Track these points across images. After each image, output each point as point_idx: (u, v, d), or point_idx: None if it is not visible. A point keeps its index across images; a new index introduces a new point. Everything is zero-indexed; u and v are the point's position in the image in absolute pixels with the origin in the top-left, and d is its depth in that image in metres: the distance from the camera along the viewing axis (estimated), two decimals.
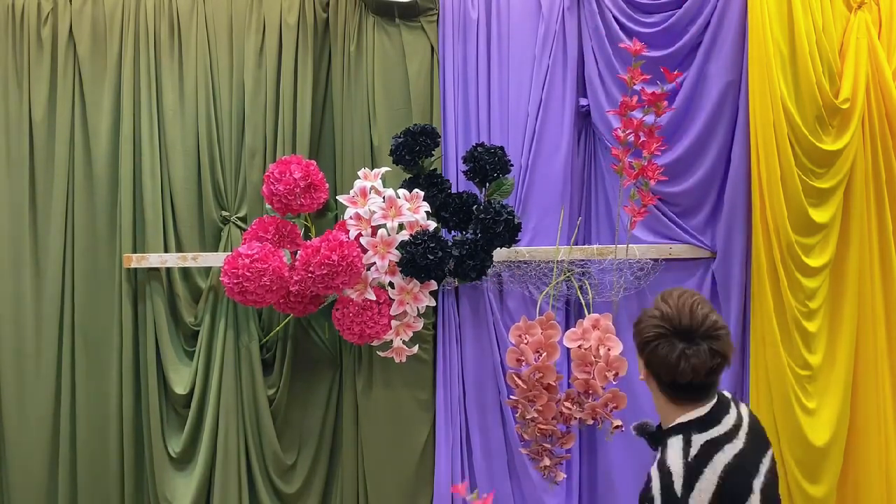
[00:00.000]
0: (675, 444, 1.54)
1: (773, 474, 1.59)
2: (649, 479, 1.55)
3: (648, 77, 2.37)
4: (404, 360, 2.54)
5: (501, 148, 2.51)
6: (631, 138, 2.39)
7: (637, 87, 2.38)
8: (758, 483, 1.54)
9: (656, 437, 1.67)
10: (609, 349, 2.38)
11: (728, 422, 1.57)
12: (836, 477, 2.48)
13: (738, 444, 1.55)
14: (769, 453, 1.61)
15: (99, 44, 2.82)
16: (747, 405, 1.64)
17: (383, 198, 2.40)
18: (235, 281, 2.33)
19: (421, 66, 2.70)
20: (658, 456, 1.57)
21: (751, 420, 1.62)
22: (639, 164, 2.39)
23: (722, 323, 1.55)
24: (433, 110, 2.70)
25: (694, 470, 1.50)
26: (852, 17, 2.51)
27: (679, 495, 1.48)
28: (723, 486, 1.49)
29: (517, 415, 2.51)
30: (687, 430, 1.55)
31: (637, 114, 2.38)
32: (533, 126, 2.62)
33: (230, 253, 2.50)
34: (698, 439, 1.53)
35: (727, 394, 1.66)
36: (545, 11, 2.64)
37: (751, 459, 1.55)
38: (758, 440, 1.60)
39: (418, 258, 2.35)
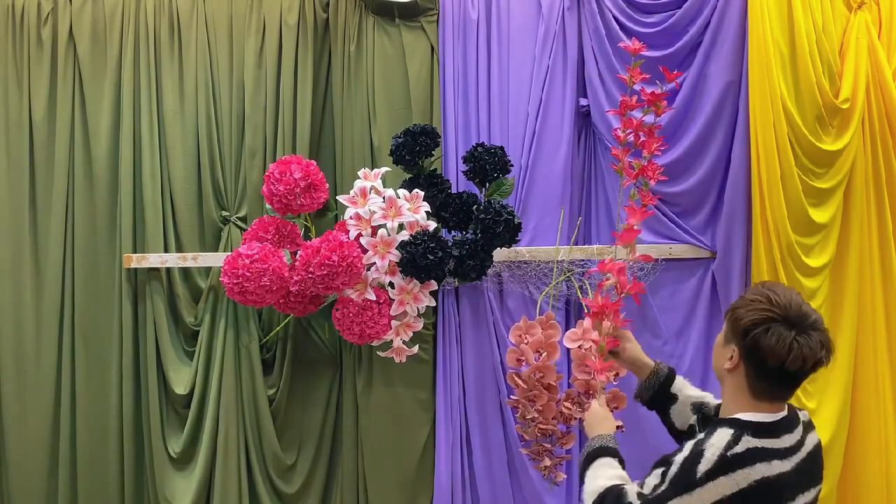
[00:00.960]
0: (722, 434, 1.47)
1: None
2: (679, 449, 1.51)
3: (648, 77, 2.37)
4: (404, 360, 2.53)
5: (501, 148, 2.51)
6: (631, 138, 2.39)
7: (637, 87, 2.37)
8: None
9: (708, 420, 1.62)
10: None
11: (788, 440, 1.49)
12: (836, 477, 2.48)
13: (787, 465, 1.47)
14: (815, 490, 1.53)
15: (99, 44, 2.81)
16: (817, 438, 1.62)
17: (383, 198, 2.40)
18: (235, 281, 2.33)
19: (421, 66, 2.70)
20: (700, 436, 1.51)
21: (813, 450, 1.54)
22: (638, 164, 2.38)
23: (824, 323, 1.51)
24: (433, 110, 2.70)
25: (726, 465, 1.43)
26: (852, 17, 2.51)
27: (697, 477, 1.43)
28: (751, 492, 1.43)
29: (517, 415, 2.50)
30: (742, 427, 1.48)
31: (637, 113, 2.38)
32: (533, 126, 2.62)
33: (230, 253, 2.50)
34: (748, 441, 1.46)
35: (803, 416, 1.58)
36: (545, 11, 2.64)
37: (793, 487, 1.48)
38: (812, 471, 1.53)
39: (418, 258, 2.35)
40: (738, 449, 1.45)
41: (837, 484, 2.48)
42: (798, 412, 1.57)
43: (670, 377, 1.88)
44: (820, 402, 2.47)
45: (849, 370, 2.48)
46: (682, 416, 1.83)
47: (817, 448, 1.56)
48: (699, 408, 1.71)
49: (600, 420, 1.82)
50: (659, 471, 1.51)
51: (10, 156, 2.82)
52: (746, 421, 1.49)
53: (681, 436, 1.82)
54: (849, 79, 2.47)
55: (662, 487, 1.47)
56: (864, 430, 2.49)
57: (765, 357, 1.46)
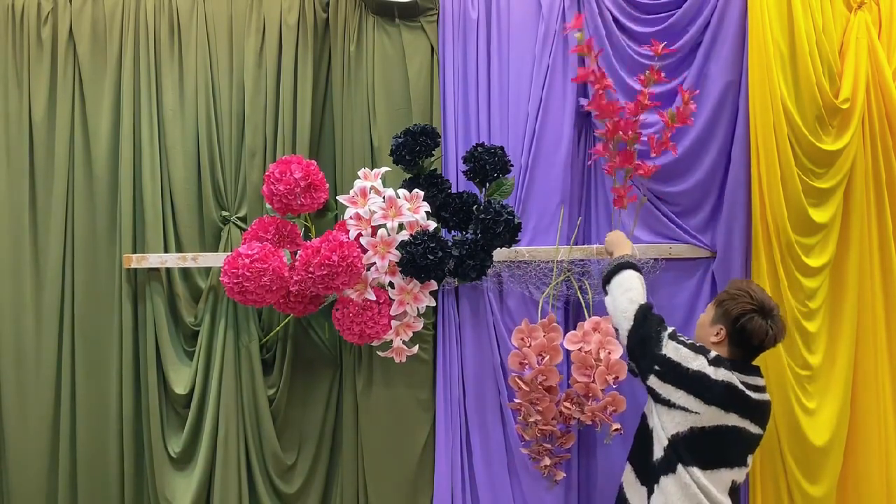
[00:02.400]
0: (710, 358, 2.05)
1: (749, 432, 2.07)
2: (682, 344, 2.09)
3: (665, 79, 2.39)
4: (404, 360, 2.54)
5: (501, 148, 2.51)
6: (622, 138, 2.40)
7: (641, 88, 2.38)
8: (744, 419, 2.04)
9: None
10: (609, 353, 2.38)
11: (759, 381, 2.08)
12: (835, 477, 2.48)
13: (759, 396, 2.06)
14: (761, 429, 2.10)
15: (99, 44, 2.82)
16: None
17: (383, 198, 2.40)
18: (235, 281, 2.33)
19: (421, 66, 2.70)
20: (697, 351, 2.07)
21: (767, 405, 2.12)
22: (615, 153, 2.41)
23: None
24: (433, 110, 2.70)
25: (713, 362, 2.03)
26: (852, 17, 2.51)
27: (687, 367, 2.03)
28: (718, 384, 2.02)
29: (519, 417, 2.51)
30: (725, 359, 2.07)
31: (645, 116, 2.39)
32: (533, 126, 2.62)
33: (230, 253, 2.50)
34: (726, 362, 2.05)
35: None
36: (545, 11, 2.64)
37: (763, 414, 2.08)
38: (764, 413, 2.10)
39: (418, 258, 2.35)
40: (711, 357, 2.06)
41: (837, 484, 2.48)
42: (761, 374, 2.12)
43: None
44: (820, 402, 2.47)
45: (849, 370, 2.48)
46: None
47: (769, 404, 2.12)
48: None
49: (622, 241, 2.38)
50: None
51: (10, 156, 2.82)
52: (729, 354, 2.09)
53: None
54: (849, 79, 2.47)
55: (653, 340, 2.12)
56: (864, 430, 2.49)
57: (749, 337, 2.04)
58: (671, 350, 2.06)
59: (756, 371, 2.10)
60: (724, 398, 2.01)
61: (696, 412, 2.01)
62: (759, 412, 2.07)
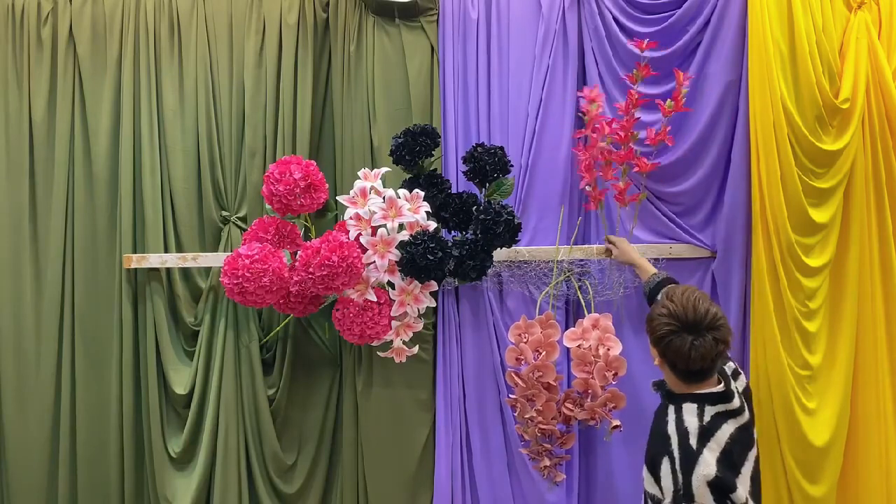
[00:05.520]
0: (690, 409, 1.82)
1: (757, 448, 1.89)
2: (667, 439, 1.81)
3: (657, 74, 2.39)
4: (404, 360, 2.54)
5: (501, 148, 2.51)
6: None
7: (636, 86, 2.38)
8: (752, 453, 1.83)
9: (673, 396, 1.89)
10: (609, 349, 2.39)
11: (735, 402, 1.84)
12: (836, 477, 2.48)
13: (741, 420, 1.83)
14: (756, 448, 1.88)
15: (99, 44, 2.82)
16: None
17: (383, 198, 2.40)
18: (235, 281, 2.34)
19: (421, 66, 2.70)
20: (671, 416, 1.84)
21: (745, 399, 1.90)
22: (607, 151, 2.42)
23: (721, 314, 1.81)
24: (433, 110, 2.70)
25: (707, 432, 1.78)
26: (852, 17, 2.51)
27: (695, 449, 1.76)
28: (727, 449, 1.77)
29: (516, 414, 2.51)
30: (701, 400, 1.83)
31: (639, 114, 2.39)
32: (533, 126, 2.62)
33: (230, 253, 2.51)
34: (710, 410, 1.82)
35: (729, 369, 1.96)
36: (545, 11, 2.63)
37: (749, 434, 1.86)
38: (752, 419, 1.89)
39: (418, 258, 2.35)
40: (707, 418, 1.81)
41: (837, 484, 2.48)
42: (727, 377, 1.91)
43: (669, 280, 2.31)
44: (820, 402, 2.47)
45: (849, 370, 2.48)
46: None
47: (745, 393, 1.92)
48: (662, 385, 1.97)
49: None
50: (666, 464, 1.80)
51: (10, 156, 2.82)
52: (702, 394, 1.84)
53: None
54: (849, 79, 2.47)
55: (681, 476, 1.76)
56: (864, 430, 2.49)
57: (674, 361, 1.81)
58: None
59: (730, 390, 1.86)
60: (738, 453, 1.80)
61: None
62: (751, 420, 1.88)
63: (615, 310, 2.57)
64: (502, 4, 2.68)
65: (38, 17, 2.82)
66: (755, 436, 1.89)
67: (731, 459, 1.77)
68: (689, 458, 1.76)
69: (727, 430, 1.80)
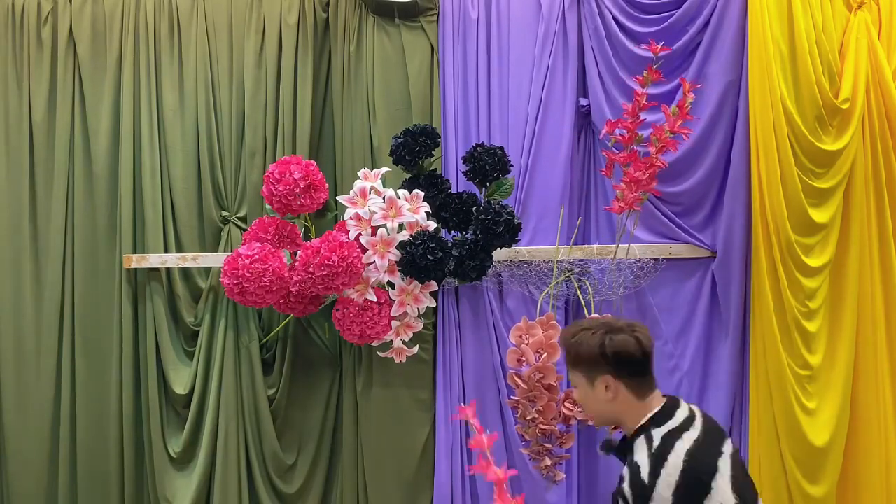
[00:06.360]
0: (639, 444, 1.68)
1: (739, 460, 1.70)
2: (621, 479, 1.67)
3: (663, 77, 2.39)
4: (404, 360, 2.54)
5: (501, 148, 2.51)
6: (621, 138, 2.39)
7: (645, 89, 2.38)
8: (723, 463, 1.64)
9: (623, 449, 1.78)
10: None
11: (680, 415, 1.72)
12: (836, 477, 2.48)
13: (694, 432, 1.68)
14: (728, 441, 1.72)
15: (99, 44, 2.82)
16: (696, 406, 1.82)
17: (383, 198, 2.40)
18: (235, 281, 2.34)
19: (421, 66, 2.70)
20: (628, 458, 1.70)
21: (704, 416, 1.76)
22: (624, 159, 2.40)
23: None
24: (433, 110, 2.70)
25: (658, 458, 1.62)
26: (852, 17, 2.51)
27: (647, 483, 1.60)
28: (687, 469, 1.60)
29: (518, 415, 2.51)
30: (646, 429, 1.70)
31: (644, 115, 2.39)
32: (533, 126, 2.62)
33: (230, 253, 2.50)
34: (657, 433, 1.68)
35: (675, 396, 1.80)
36: (545, 11, 2.63)
37: (710, 443, 1.68)
38: (714, 431, 1.73)
39: (418, 259, 2.35)
40: (656, 442, 1.66)
41: (837, 484, 2.48)
42: (668, 395, 1.78)
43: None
44: (820, 402, 2.47)
45: (849, 370, 2.48)
46: None
47: (704, 413, 1.78)
48: (608, 447, 1.87)
49: None
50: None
51: (10, 156, 2.82)
52: (645, 422, 1.72)
53: None
54: (849, 79, 2.47)
55: None
56: (864, 430, 2.49)
57: (630, 354, 1.70)
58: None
59: (673, 403, 1.74)
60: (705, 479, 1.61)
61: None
62: (713, 429, 1.74)
63: (615, 310, 2.57)
64: (502, 4, 2.68)
65: (38, 17, 2.82)
66: (726, 448, 1.68)
67: (691, 478, 1.58)
68: (644, 496, 1.59)
69: (682, 447, 1.62)
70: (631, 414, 1.74)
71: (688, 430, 1.68)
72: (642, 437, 1.69)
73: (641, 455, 1.65)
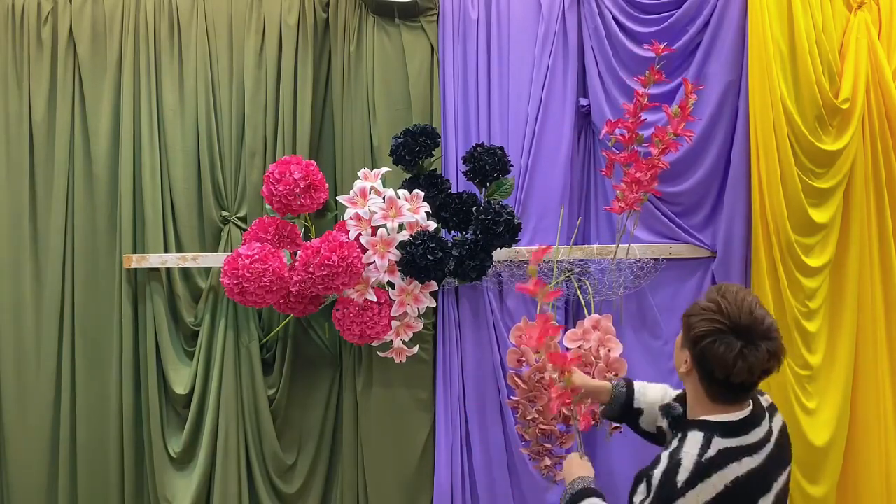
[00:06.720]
0: (693, 439, 1.51)
1: (784, 492, 1.56)
2: (657, 462, 1.53)
3: (664, 78, 2.39)
4: (404, 360, 2.54)
5: (501, 148, 2.51)
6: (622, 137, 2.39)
7: (647, 89, 2.38)
8: (765, 501, 1.51)
9: (678, 422, 1.65)
10: (609, 350, 2.38)
11: (756, 434, 1.53)
12: (836, 477, 2.48)
13: (757, 459, 1.51)
14: (787, 470, 1.57)
15: (99, 44, 2.82)
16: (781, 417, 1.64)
17: (383, 198, 2.40)
18: (235, 282, 2.34)
19: (421, 66, 2.70)
20: (674, 444, 1.54)
21: (780, 436, 1.58)
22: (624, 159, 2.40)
23: (777, 326, 1.51)
24: (433, 110, 2.70)
25: (703, 471, 1.47)
26: (852, 17, 2.51)
27: (678, 487, 1.46)
28: (726, 495, 1.46)
29: (518, 415, 2.51)
30: (711, 430, 1.52)
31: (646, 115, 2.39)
32: (533, 126, 2.62)
33: (230, 253, 2.50)
34: (718, 443, 1.50)
35: (765, 402, 1.62)
36: (545, 11, 2.63)
37: (765, 475, 1.52)
38: (780, 457, 1.56)
39: (418, 259, 2.35)
40: (711, 452, 1.48)
41: (837, 484, 2.48)
42: (760, 398, 1.60)
43: (629, 394, 1.88)
44: (820, 402, 2.47)
45: (849, 370, 2.48)
46: (650, 419, 1.86)
47: (783, 431, 1.59)
48: (668, 411, 1.74)
49: (579, 465, 1.79)
50: (642, 486, 1.53)
51: (10, 156, 2.82)
52: (714, 422, 1.52)
53: (652, 438, 1.87)
54: (849, 79, 2.47)
55: (648, 502, 1.49)
56: (864, 430, 2.49)
57: (712, 368, 1.48)
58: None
59: (754, 418, 1.55)
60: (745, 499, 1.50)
61: None
62: (779, 457, 1.56)
63: (615, 310, 2.57)
64: (502, 4, 2.68)
65: (38, 17, 2.81)
66: (779, 480, 1.53)
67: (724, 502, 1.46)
68: (669, 496, 1.47)
69: (733, 471, 1.47)
70: (700, 402, 1.58)
71: (751, 455, 1.50)
72: (701, 434, 1.51)
73: (690, 452, 1.49)
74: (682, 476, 1.46)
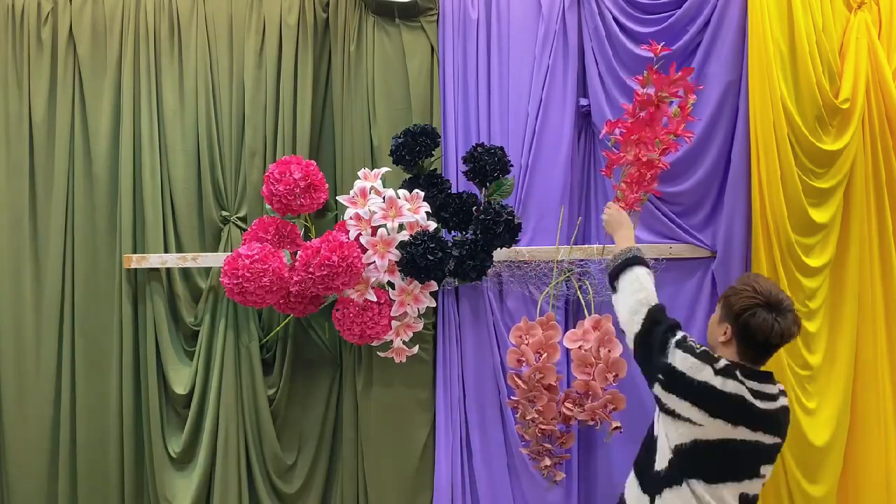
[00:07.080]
0: (723, 362, 1.89)
1: (752, 454, 1.89)
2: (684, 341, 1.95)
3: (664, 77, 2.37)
4: (404, 360, 2.54)
5: (501, 148, 2.51)
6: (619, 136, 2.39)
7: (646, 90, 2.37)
8: (725, 427, 1.85)
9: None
10: (609, 351, 2.39)
11: (767, 388, 1.91)
12: (836, 477, 2.48)
13: (762, 404, 1.87)
14: (776, 438, 1.92)
15: (99, 44, 2.82)
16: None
17: (383, 198, 2.41)
18: (235, 282, 2.34)
19: (421, 66, 2.70)
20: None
21: (781, 409, 1.93)
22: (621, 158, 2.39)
23: (793, 304, 1.94)
24: (433, 110, 2.70)
25: (703, 355, 1.89)
26: (852, 17, 2.51)
27: (673, 344, 1.93)
28: (703, 391, 1.86)
29: (518, 415, 2.51)
30: (734, 365, 1.89)
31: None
32: (533, 126, 2.62)
33: (230, 253, 2.51)
34: (733, 371, 1.88)
35: (779, 386, 1.98)
36: (545, 11, 2.64)
37: (761, 420, 1.87)
38: (777, 423, 1.91)
39: (418, 259, 2.35)
40: (720, 365, 1.88)
41: (837, 484, 2.48)
42: (775, 384, 1.96)
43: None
44: (820, 402, 2.47)
45: (849, 370, 2.48)
46: None
47: (785, 410, 1.95)
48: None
49: (621, 223, 2.27)
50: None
51: (10, 156, 2.82)
52: (740, 363, 1.92)
53: None
54: (849, 79, 2.47)
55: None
56: (864, 430, 2.49)
57: (753, 334, 1.89)
58: (678, 359, 1.90)
59: (768, 378, 1.93)
60: (731, 411, 1.85)
61: (700, 424, 1.85)
62: (772, 421, 1.89)
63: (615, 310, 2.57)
64: (502, 4, 2.68)
65: (38, 17, 2.82)
66: (751, 436, 1.87)
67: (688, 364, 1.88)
68: (662, 345, 1.94)
69: (740, 390, 1.85)
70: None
71: (758, 394, 1.88)
72: (725, 364, 1.89)
73: (709, 369, 1.87)
74: (688, 362, 1.88)
